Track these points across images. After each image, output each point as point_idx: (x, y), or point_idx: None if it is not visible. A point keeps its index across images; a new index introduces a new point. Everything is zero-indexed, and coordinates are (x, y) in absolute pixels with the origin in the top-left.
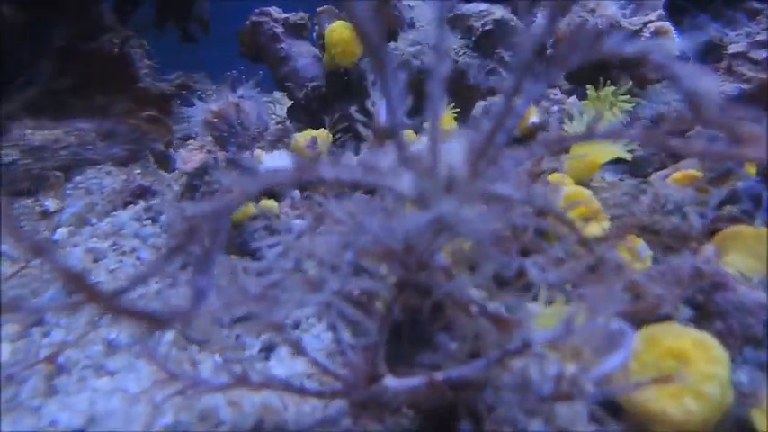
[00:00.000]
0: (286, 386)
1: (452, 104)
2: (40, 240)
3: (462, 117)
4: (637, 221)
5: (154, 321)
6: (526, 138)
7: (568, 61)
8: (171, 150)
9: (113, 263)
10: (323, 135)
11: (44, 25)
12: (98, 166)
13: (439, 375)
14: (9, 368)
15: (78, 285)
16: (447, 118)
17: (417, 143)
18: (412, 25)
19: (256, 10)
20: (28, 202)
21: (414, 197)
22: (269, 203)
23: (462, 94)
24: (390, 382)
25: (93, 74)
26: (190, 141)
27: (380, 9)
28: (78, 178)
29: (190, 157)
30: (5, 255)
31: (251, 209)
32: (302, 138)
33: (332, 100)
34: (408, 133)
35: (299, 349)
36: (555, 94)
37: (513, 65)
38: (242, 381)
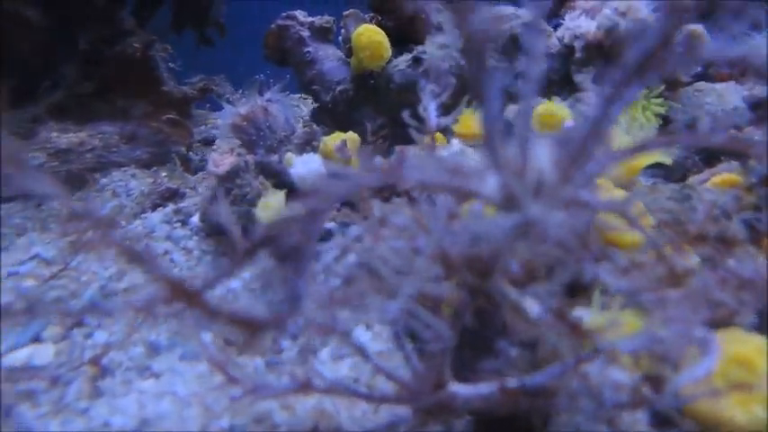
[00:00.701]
0: (352, 392)
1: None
2: (137, 247)
3: None
4: (697, 228)
5: (251, 326)
6: None
7: (666, 66)
8: (191, 153)
9: None
10: (352, 138)
11: (69, 29)
12: (123, 169)
13: (512, 382)
14: (54, 370)
15: (177, 290)
16: (473, 121)
17: (449, 147)
18: (440, 28)
19: (283, 14)
20: (54, 204)
21: (500, 201)
22: None
23: None
24: (459, 388)
25: (117, 77)
26: (217, 144)
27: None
28: (104, 180)
29: (221, 160)
30: (40, 257)
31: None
32: (331, 141)
33: (358, 103)
34: (438, 137)
35: (363, 355)
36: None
37: (620, 69)
38: (305, 385)
